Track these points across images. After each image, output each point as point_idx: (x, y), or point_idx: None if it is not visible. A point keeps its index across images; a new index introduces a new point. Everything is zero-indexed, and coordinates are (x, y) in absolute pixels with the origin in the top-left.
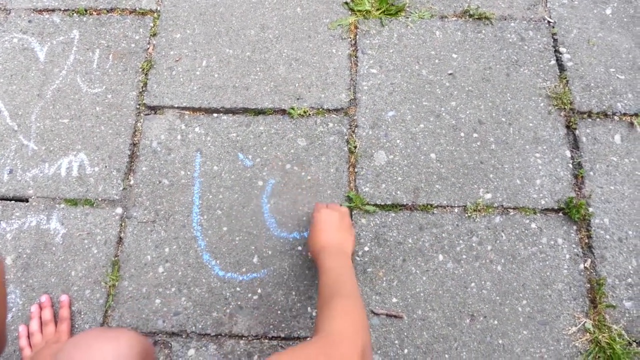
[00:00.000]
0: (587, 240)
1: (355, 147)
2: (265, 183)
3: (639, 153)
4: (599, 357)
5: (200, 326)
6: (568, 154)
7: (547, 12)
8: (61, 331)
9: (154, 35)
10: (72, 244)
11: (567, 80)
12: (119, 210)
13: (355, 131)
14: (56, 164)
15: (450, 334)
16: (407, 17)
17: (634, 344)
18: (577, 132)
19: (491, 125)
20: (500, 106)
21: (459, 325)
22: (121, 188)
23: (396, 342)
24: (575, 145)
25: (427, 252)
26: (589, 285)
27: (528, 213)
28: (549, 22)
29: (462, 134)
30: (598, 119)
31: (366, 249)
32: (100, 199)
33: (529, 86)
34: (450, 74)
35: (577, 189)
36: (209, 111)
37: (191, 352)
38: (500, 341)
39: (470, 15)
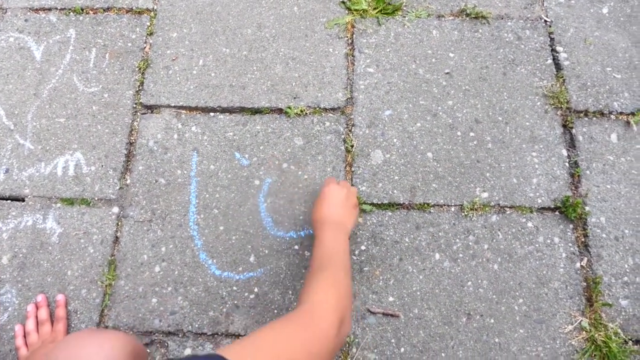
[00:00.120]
0: (583, 239)
1: (352, 146)
2: (262, 182)
3: (636, 152)
4: (595, 355)
5: (196, 325)
6: (564, 152)
7: (544, 11)
8: (57, 331)
9: (151, 34)
10: (69, 243)
11: (564, 79)
12: (116, 209)
13: (352, 130)
14: (52, 163)
15: (446, 333)
16: (404, 16)
17: (630, 343)
18: (573, 131)
19: (488, 124)
20: (497, 105)
21: (456, 324)
22: (117, 187)
23: (393, 341)
24: (571, 144)
25: (423, 251)
26: (585, 283)
27: (524, 212)
28: (545, 21)
29: (459, 133)
30: (594, 118)
31: (363, 247)
32: (96, 198)
33: (525, 85)
34: (447, 73)
35: (573, 187)
36: (206, 110)
37: (187, 351)
38: (496, 340)
39: (467, 15)
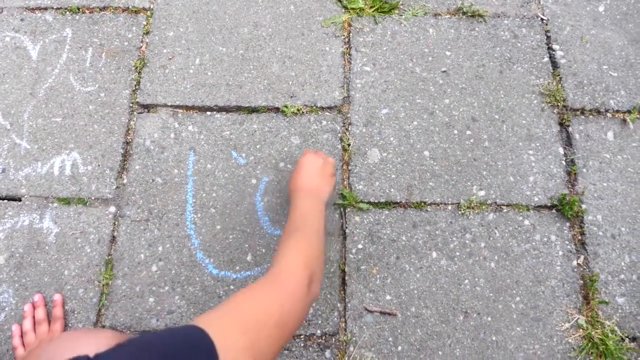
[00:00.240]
0: (580, 237)
1: (348, 144)
2: (259, 181)
3: (632, 150)
4: (591, 353)
5: None
6: (561, 151)
7: (541, 9)
8: (54, 330)
9: (147, 33)
10: (65, 243)
11: (560, 78)
12: (112, 209)
13: (349, 129)
14: (49, 163)
15: (443, 331)
16: (401, 15)
17: (627, 340)
18: (570, 129)
19: (484, 122)
20: (494, 103)
21: (453, 322)
22: (114, 187)
23: (390, 339)
24: (568, 142)
25: (420, 249)
26: (582, 281)
27: (521, 210)
28: (542, 19)
29: (456, 132)
30: (591, 116)
31: (360, 246)
32: (93, 198)
33: (522, 83)
34: (444, 71)
35: (570, 185)
36: (203, 109)
37: None
38: (493, 338)
39: (464, 13)
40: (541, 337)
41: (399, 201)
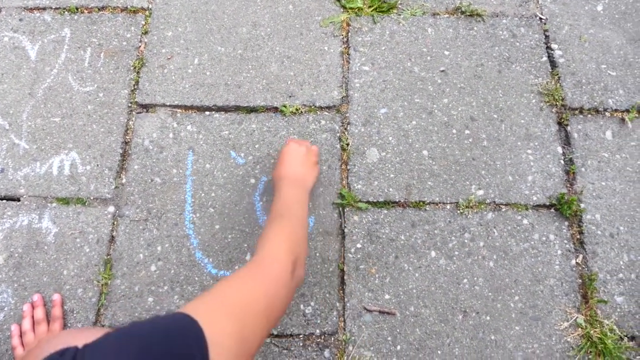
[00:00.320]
0: (578, 236)
1: (347, 144)
2: (258, 181)
3: (630, 149)
4: (590, 352)
5: None
6: (560, 150)
7: (539, 8)
8: (53, 330)
9: (146, 33)
10: (64, 242)
11: (559, 77)
12: (111, 208)
13: (348, 128)
14: (48, 163)
15: (442, 330)
16: (399, 14)
17: (626, 339)
18: (568, 128)
19: (483, 122)
20: (492, 103)
21: (452, 322)
22: (113, 186)
23: (389, 338)
24: (566, 141)
25: (419, 248)
26: (580, 280)
27: (520, 209)
28: (540, 18)
29: (454, 131)
30: (589, 115)
31: (359, 246)
32: (92, 198)
33: (520, 83)
34: (442, 71)
35: (568, 185)
36: (201, 109)
37: None
38: (492, 337)
39: (462, 12)
40: (540, 336)
41: (397, 201)
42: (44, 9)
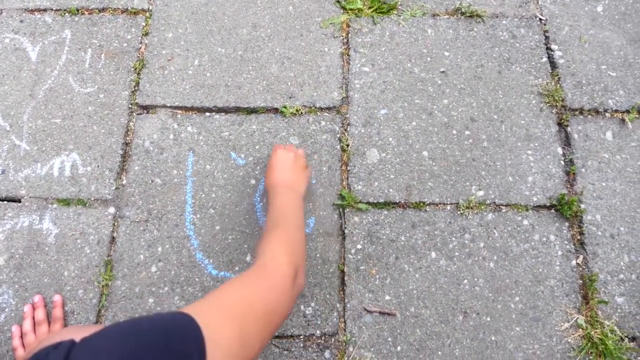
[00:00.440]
0: (579, 237)
1: (347, 145)
2: (258, 182)
3: (630, 149)
4: (591, 353)
5: None
6: (560, 150)
7: (539, 9)
8: (54, 331)
9: (146, 34)
10: (65, 244)
11: (559, 78)
12: (112, 209)
13: (348, 129)
14: (48, 164)
15: (443, 331)
16: (399, 15)
17: (626, 340)
18: (568, 129)
19: (483, 122)
20: (492, 104)
21: (452, 322)
22: (114, 188)
23: (389, 339)
24: (567, 142)
25: (419, 249)
26: (581, 281)
27: (520, 210)
28: (540, 19)
29: (454, 132)
30: (589, 116)
31: (359, 246)
32: (92, 199)
33: (520, 84)
34: (442, 71)
35: (569, 185)
36: (202, 110)
37: None
38: (493, 338)
39: (462, 13)
40: (540, 337)
41: (398, 201)
42: (45, 10)
